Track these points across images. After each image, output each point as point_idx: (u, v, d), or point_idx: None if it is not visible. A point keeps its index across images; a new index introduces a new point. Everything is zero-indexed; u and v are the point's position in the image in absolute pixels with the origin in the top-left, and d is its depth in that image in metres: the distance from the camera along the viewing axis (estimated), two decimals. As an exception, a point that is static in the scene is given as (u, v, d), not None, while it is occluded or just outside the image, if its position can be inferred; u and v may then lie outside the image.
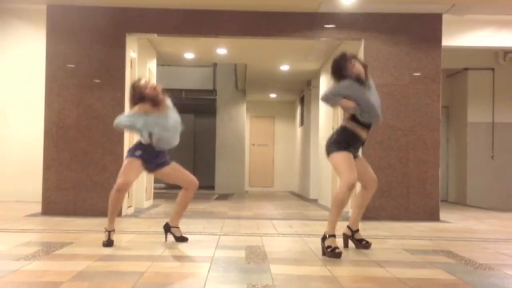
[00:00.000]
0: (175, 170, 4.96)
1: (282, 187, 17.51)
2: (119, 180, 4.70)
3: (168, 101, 4.95)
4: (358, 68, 4.53)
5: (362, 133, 4.53)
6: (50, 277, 3.36)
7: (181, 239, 4.94)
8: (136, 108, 4.82)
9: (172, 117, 4.89)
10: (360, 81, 4.51)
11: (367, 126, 4.54)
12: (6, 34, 9.29)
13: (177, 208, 4.98)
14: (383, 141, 7.47)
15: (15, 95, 9.30)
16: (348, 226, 4.79)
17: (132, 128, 4.88)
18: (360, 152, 4.76)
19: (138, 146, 4.83)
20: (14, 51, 9.33)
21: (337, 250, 4.26)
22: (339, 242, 4.50)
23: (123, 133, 7.33)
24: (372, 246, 4.93)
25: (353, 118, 4.48)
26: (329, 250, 4.29)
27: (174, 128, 4.87)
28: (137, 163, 4.77)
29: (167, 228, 5.00)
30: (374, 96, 4.58)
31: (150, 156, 4.81)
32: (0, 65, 9.36)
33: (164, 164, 4.91)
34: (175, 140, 4.90)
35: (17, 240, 4.84)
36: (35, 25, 8.92)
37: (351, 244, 4.80)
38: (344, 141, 4.47)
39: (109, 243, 4.62)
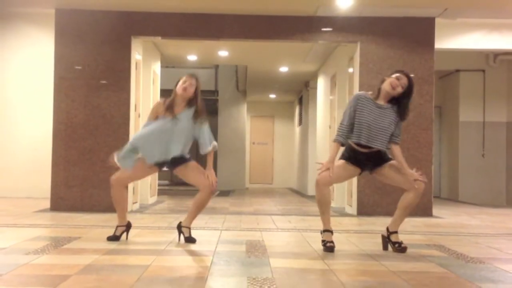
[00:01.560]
0: (190, 170, 4.57)
1: (281, 184, 17.51)
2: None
3: (188, 111, 4.55)
4: (388, 82, 4.24)
5: (359, 149, 4.26)
6: (59, 271, 3.35)
7: (189, 239, 4.56)
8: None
9: (166, 124, 4.50)
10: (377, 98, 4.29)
11: (361, 145, 4.25)
12: (16, 37, 9.28)
13: (191, 208, 4.64)
14: (378, 140, 7.46)
15: (24, 96, 9.29)
16: (387, 227, 4.44)
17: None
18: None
19: None
20: (23, 54, 9.32)
21: (328, 244, 4.26)
22: (340, 238, 4.50)
23: (128, 132, 7.32)
24: (368, 240, 4.93)
25: None
26: (322, 244, 4.32)
27: (159, 135, 4.49)
28: (139, 164, 4.56)
29: (179, 227, 4.67)
30: (376, 119, 4.22)
31: None
32: (10, 66, 9.36)
33: (178, 163, 4.56)
34: (157, 150, 4.49)
35: (27, 235, 4.84)
36: (43, 29, 8.91)
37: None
38: (344, 152, 4.35)
39: (112, 237, 4.58)
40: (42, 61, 8.89)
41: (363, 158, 4.29)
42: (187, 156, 4.63)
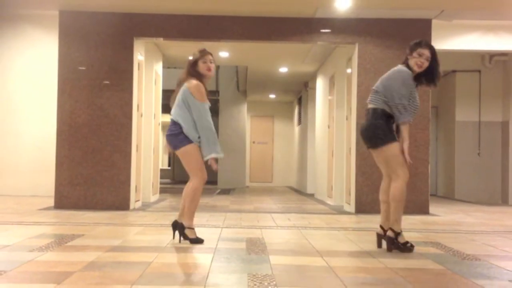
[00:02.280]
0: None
1: (281, 183, 17.50)
2: (201, 178, 4.35)
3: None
4: (413, 63, 4.25)
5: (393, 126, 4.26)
6: (63, 267, 3.36)
7: (195, 240, 4.39)
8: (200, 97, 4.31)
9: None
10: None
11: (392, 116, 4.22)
12: (20, 38, 9.28)
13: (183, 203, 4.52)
14: (376, 139, 7.45)
15: (28, 96, 9.29)
16: (380, 226, 4.34)
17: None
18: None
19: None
20: (27, 55, 9.32)
21: (408, 245, 4.18)
22: (339, 235, 4.49)
23: (131, 131, 7.32)
24: (366, 238, 4.93)
25: None
26: (407, 245, 4.17)
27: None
28: (197, 147, 4.43)
29: (174, 226, 4.52)
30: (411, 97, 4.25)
31: None
32: (15, 67, 9.35)
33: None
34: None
35: (31, 233, 4.84)
36: (47, 30, 8.90)
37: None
38: (389, 132, 4.16)
39: (197, 240, 4.39)
40: (46, 62, 8.89)
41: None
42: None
